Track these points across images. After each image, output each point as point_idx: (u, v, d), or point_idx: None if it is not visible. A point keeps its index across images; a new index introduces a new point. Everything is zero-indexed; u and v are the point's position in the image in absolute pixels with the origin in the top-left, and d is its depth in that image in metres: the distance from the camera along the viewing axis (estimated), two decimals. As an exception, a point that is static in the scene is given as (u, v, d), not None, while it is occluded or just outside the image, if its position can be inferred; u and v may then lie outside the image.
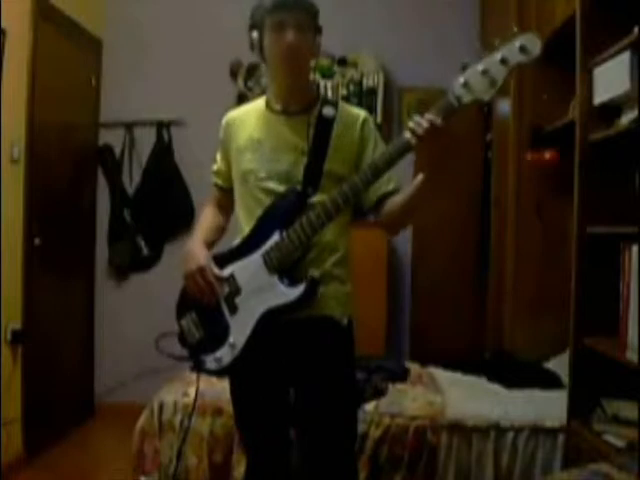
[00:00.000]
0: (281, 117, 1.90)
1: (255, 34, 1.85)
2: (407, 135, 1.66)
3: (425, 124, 1.63)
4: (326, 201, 1.76)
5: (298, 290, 1.79)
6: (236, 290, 1.86)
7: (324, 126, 1.87)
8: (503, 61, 1.59)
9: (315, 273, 1.83)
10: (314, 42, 1.87)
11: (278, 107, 1.91)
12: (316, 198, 1.82)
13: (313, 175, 1.84)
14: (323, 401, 1.89)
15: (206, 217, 2.06)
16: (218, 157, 2.04)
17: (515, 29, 2.94)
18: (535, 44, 1.57)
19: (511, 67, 1.60)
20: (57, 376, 3.78)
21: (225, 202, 2.07)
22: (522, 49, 1.57)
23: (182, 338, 1.96)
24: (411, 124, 1.65)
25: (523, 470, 2.54)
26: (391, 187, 1.88)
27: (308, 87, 1.96)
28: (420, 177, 1.75)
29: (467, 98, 1.63)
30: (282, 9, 1.79)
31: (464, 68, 1.64)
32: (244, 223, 1.92)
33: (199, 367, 1.90)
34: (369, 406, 2.62)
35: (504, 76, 1.60)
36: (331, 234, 1.85)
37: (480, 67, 1.61)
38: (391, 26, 4.20)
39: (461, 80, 1.62)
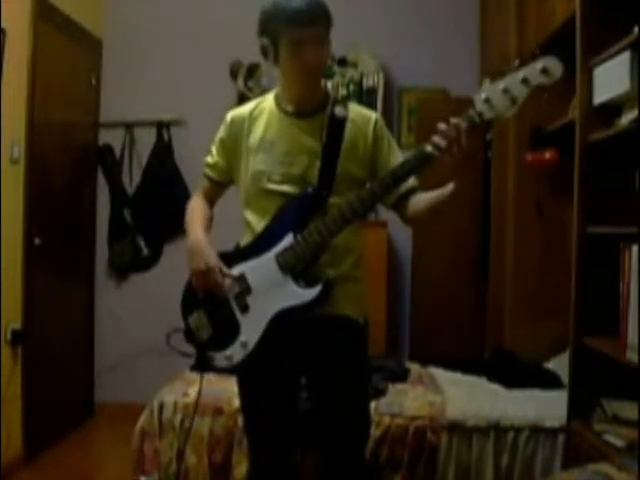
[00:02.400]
0: (294, 119, 1.90)
1: (266, 41, 1.81)
2: (429, 148, 1.68)
3: (451, 132, 1.64)
4: (344, 206, 1.77)
5: (314, 291, 1.80)
6: (247, 289, 1.86)
7: (337, 126, 1.88)
8: (524, 81, 1.62)
9: (332, 274, 1.84)
10: (329, 49, 1.86)
11: (290, 108, 1.91)
12: (331, 200, 1.83)
13: (327, 177, 1.85)
14: (340, 399, 1.91)
15: (199, 209, 2.04)
16: (214, 151, 2.02)
17: (537, 52, 2.95)
18: (557, 67, 1.61)
19: (532, 87, 1.63)
20: (57, 376, 3.78)
21: (214, 195, 2.07)
22: (544, 71, 1.61)
23: (189, 335, 1.95)
24: (436, 138, 1.66)
25: (523, 470, 2.54)
26: (410, 184, 1.90)
27: (320, 89, 1.95)
28: (451, 186, 1.77)
29: (488, 114, 1.66)
30: (301, 26, 1.75)
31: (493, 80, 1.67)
32: (254, 223, 1.92)
33: (208, 364, 1.91)
34: (369, 406, 2.63)
35: (525, 95, 1.64)
36: (346, 237, 1.85)
37: (501, 85, 1.64)
38: (391, 26, 4.20)
39: (483, 96, 1.65)
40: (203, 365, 1.94)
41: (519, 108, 1.65)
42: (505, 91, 1.63)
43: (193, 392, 2.69)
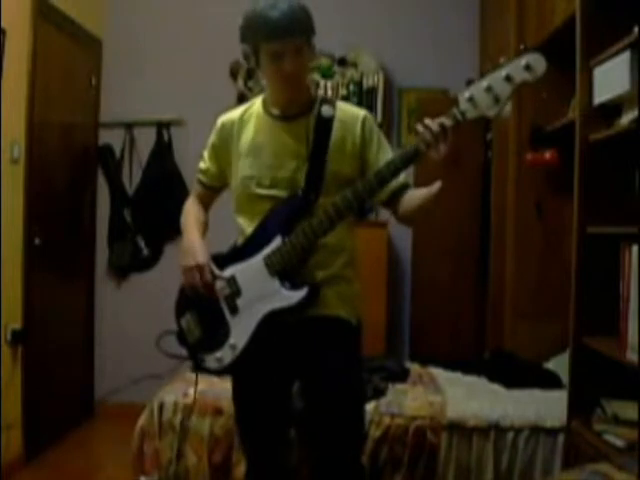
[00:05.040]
0: (280, 122, 1.90)
1: (247, 49, 1.81)
2: (413, 146, 1.67)
3: (435, 127, 1.63)
4: (329, 207, 1.76)
5: (300, 294, 1.80)
6: (237, 292, 1.86)
7: (323, 127, 1.87)
8: (508, 78, 1.60)
9: (323, 275, 1.84)
10: (311, 54, 1.85)
11: (276, 112, 1.91)
12: (321, 202, 1.82)
13: (315, 179, 1.84)
14: (334, 401, 1.89)
15: (194, 212, 2.05)
16: (206, 156, 2.03)
17: (522, 47, 2.93)
18: (540, 63, 1.59)
19: (516, 85, 1.61)
20: (57, 376, 3.78)
21: (207, 199, 2.09)
22: (527, 67, 1.59)
23: (181, 337, 1.97)
24: (420, 128, 1.65)
25: (523, 470, 2.54)
26: (401, 181, 1.87)
27: (304, 92, 1.93)
28: (437, 185, 1.75)
29: (472, 113, 1.64)
30: (279, 39, 1.74)
31: (469, 83, 1.65)
32: (246, 227, 1.92)
33: (198, 365, 1.92)
34: (369, 406, 2.62)
35: (509, 93, 1.62)
36: (337, 236, 1.84)
37: (484, 83, 1.62)
38: (391, 26, 4.20)
39: (466, 95, 1.63)
40: (195, 367, 1.94)
41: (503, 107, 1.63)
42: (488, 89, 1.61)
43: (193, 392, 2.70)
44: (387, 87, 4.11)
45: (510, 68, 1.60)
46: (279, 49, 1.75)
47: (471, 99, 1.63)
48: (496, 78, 1.61)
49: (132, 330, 4.21)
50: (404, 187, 1.89)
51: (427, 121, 1.65)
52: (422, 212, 1.84)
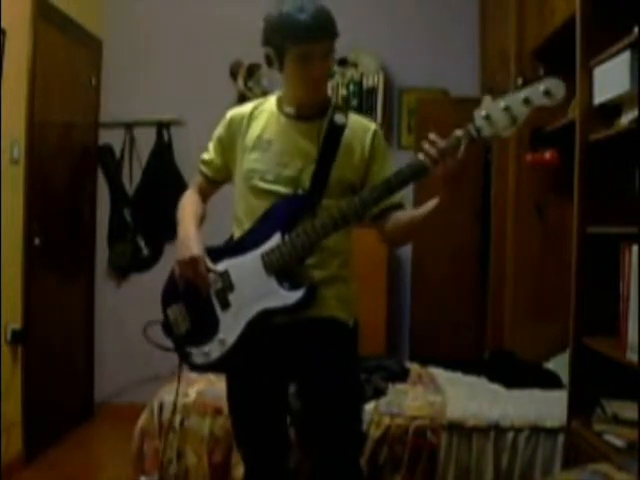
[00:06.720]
0: (293, 121, 1.89)
1: (271, 52, 1.79)
2: (420, 157, 1.66)
3: (441, 144, 1.63)
4: (334, 211, 1.75)
5: (297, 295, 1.78)
6: (229, 286, 1.85)
7: (335, 133, 1.87)
8: (526, 101, 1.60)
9: (320, 275, 1.83)
10: (334, 57, 1.85)
11: (291, 111, 1.90)
12: (323, 204, 1.82)
13: (320, 181, 1.84)
14: (330, 405, 1.88)
15: (192, 203, 2.04)
16: (211, 148, 2.02)
17: (541, 71, 2.90)
18: (559, 89, 1.59)
19: (533, 108, 1.61)
20: (57, 376, 3.78)
21: (208, 191, 2.07)
22: (546, 93, 1.59)
23: (167, 327, 1.94)
24: (426, 146, 1.65)
25: (523, 470, 2.54)
26: (396, 200, 1.86)
27: (323, 96, 1.92)
28: (434, 201, 1.74)
29: (487, 131, 1.64)
30: (309, 42, 1.73)
31: (490, 91, 1.64)
32: (244, 221, 1.91)
33: (184, 359, 1.90)
34: (369, 406, 2.62)
35: (526, 116, 1.62)
36: (336, 238, 1.83)
37: (502, 103, 1.62)
38: (391, 26, 4.20)
39: (483, 112, 1.63)
40: (180, 359, 1.92)
41: (518, 128, 1.63)
42: (506, 109, 1.61)
43: (193, 392, 2.70)
44: (387, 87, 4.11)
45: (529, 91, 1.60)
46: (308, 52, 1.74)
47: (488, 117, 1.62)
48: (514, 100, 1.61)
49: (132, 330, 4.18)
50: (396, 206, 1.88)
51: (432, 137, 1.64)
52: (411, 230, 1.85)
